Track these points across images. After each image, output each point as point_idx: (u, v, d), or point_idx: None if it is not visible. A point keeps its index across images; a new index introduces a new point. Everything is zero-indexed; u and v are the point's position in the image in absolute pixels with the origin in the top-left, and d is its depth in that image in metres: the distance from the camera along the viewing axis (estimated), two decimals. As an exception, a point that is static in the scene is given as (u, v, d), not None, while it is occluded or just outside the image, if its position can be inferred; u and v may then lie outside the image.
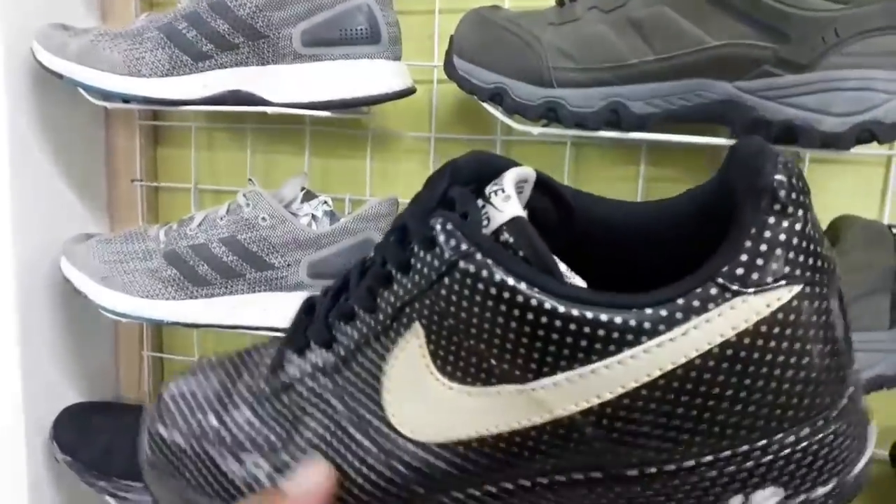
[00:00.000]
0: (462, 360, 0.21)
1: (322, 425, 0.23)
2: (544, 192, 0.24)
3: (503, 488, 0.22)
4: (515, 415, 0.20)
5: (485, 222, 0.20)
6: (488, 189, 0.21)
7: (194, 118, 0.67)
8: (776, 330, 0.19)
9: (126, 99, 0.52)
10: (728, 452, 0.20)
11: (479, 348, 0.20)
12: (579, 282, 0.23)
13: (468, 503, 0.22)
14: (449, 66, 0.46)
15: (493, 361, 0.20)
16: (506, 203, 0.20)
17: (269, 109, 0.49)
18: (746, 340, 0.19)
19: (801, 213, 0.19)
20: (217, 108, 0.50)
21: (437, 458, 0.21)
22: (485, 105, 0.46)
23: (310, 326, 0.24)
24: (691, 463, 0.20)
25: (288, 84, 0.48)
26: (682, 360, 0.19)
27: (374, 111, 0.58)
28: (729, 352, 0.19)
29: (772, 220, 0.19)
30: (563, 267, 0.21)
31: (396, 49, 0.49)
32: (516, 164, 0.24)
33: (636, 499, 0.21)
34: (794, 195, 0.19)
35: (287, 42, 0.48)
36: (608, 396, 0.20)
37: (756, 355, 0.19)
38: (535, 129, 0.46)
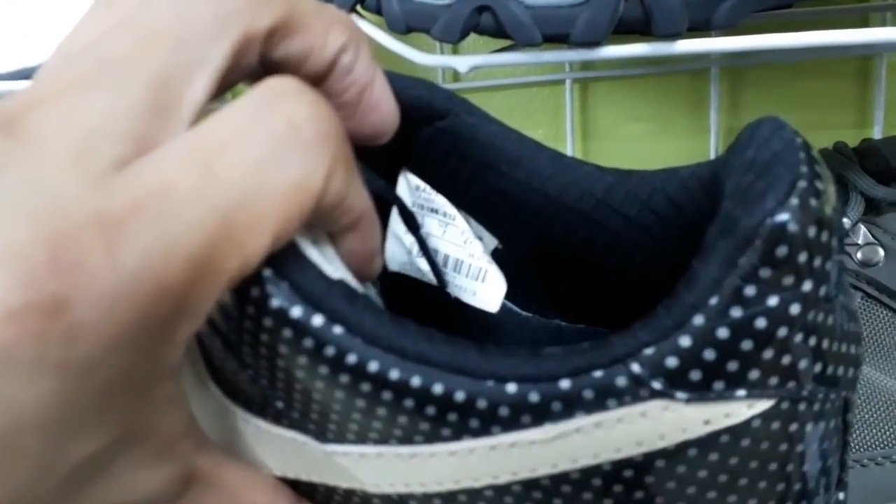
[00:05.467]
0: (244, 385, 0.14)
1: None
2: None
3: None
4: (319, 470, 0.14)
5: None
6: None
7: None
8: (711, 457, 0.12)
9: None
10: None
11: (261, 382, 0.13)
12: (491, 271, 0.16)
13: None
14: None
15: (281, 403, 0.14)
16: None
17: None
18: (659, 464, 0.12)
19: (808, 286, 0.11)
20: None
21: None
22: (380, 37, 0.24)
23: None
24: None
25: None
26: (547, 471, 0.12)
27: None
28: (627, 473, 0.12)
29: (750, 290, 0.11)
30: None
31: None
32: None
33: None
34: (804, 255, 0.11)
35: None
36: (436, 489, 0.13)
37: (671, 486, 0.12)
38: (464, 64, 0.23)
